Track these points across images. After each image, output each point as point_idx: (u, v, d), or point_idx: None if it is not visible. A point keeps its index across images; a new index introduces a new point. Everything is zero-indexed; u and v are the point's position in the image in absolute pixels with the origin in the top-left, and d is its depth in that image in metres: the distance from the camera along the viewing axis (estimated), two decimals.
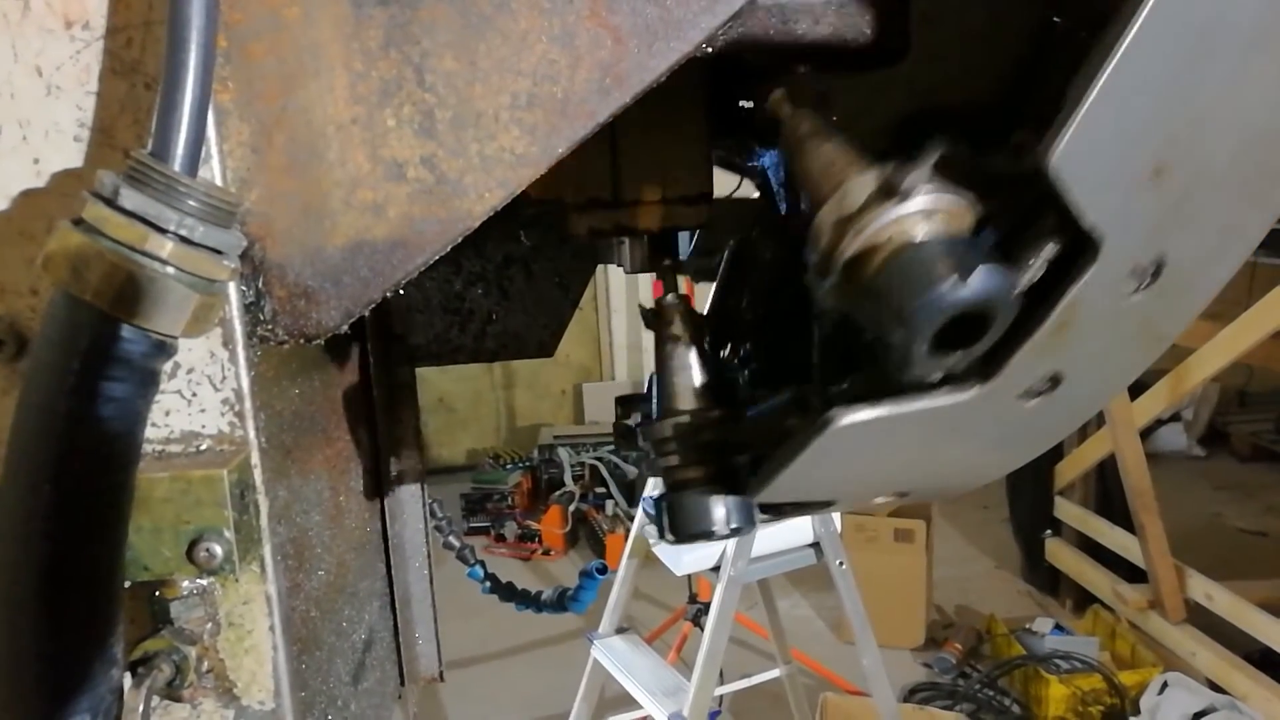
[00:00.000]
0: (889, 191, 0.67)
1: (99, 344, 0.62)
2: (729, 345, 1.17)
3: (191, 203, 0.64)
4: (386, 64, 0.75)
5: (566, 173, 1.00)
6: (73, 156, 0.73)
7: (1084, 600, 5.34)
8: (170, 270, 0.63)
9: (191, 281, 0.64)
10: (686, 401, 0.96)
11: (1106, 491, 5.31)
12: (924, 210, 0.66)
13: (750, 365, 1.17)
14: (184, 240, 0.64)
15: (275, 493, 0.83)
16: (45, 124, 0.73)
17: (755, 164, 1.24)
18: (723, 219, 1.17)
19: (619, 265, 1.16)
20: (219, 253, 0.66)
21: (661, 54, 0.77)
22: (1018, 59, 0.83)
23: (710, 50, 0.80)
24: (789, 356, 1.08)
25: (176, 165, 0.65)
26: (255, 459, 0.77)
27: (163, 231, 0.63)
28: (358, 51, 0.75)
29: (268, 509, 0.78)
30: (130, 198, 0.62)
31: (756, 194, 1.26)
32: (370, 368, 1.36)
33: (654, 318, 0.99)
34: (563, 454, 7.39)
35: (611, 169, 1.03)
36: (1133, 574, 4.95)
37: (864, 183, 0.68)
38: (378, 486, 1.40)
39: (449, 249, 0.79)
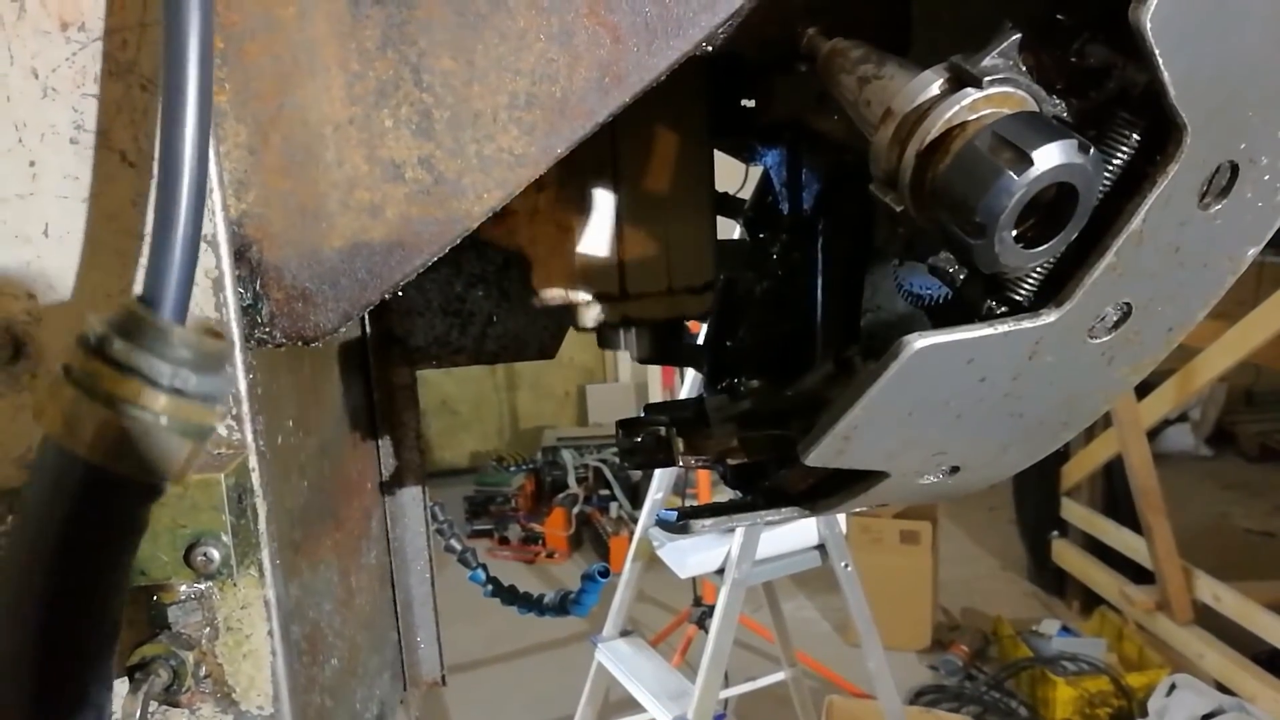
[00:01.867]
0: (960, 80, 0.64)
1: (90, 493, 0.63)
2: (727, 378, 1.16)
3: (184, 353, 0.63)
4: (383, 64, 0.74)
5: (573, 270, 1.02)
6: (69, 159, 0.73)
7: (1091, 601, 5.32)
8: (164, 421, 0.62)
9: (184, 429, 0.63)
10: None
11: (1113, 492, 5.29)
12: (1000, 95, 0.64)
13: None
14: (177, 392, 0.63)
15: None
16: (41, 126, 0.72)
17: (758, 163, 1.24)
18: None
19: (625, 350, 1.17)
20: (212, 399, 0.65)
21: (661, 52, 0.76)
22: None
23: (710, 49, 0.79)
24: (789, 386, 1.08)
25: (168, 310, 0.64)
26: (253, 463, 0.77)
27: (156, 385, 0.62)
28: (354, 51, 0.74)
29: (265, 513, 0.78)
30: (122, 349, 0.61)
31: (736, 233, 1.26)
32: (370, 369, 1.36)
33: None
34: (566, 456, 7.39)
35: (618, 264, 1.04)
36: (1140, 575, 4.93)
37: (933, 75, 0.65)
38: (380, 489, 1.40)
39: (447, 250, 0.79)
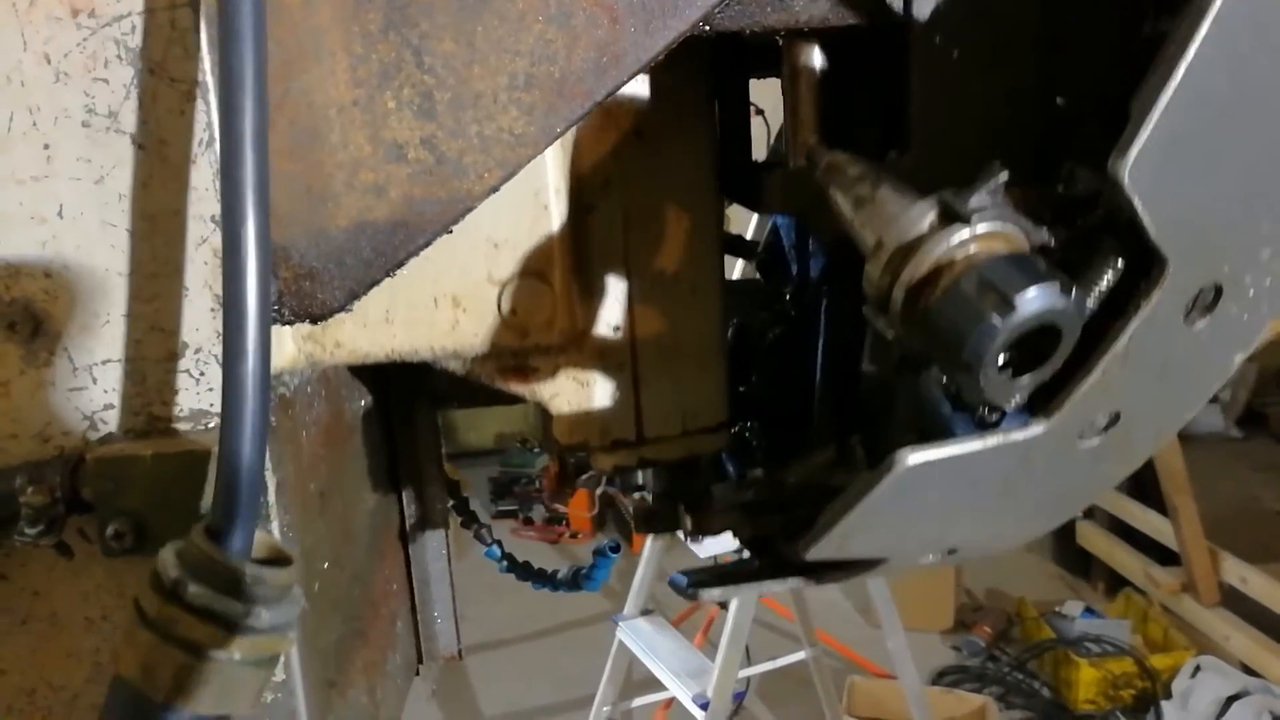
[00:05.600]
0: (951, 216, 0.66)
1: None
2: (737, 424, 1.18)
3: (258, 590, 0.64)
4: (386, 46, 0.76)
5: (594, 420, 1.04)
6: (82, 142, 0.75)
7: (1115, 583, 5.30)
8: (237, 657, 0.64)
9: (258, 662, 0.65)
10: None
11: (1139, 473, 5.21)
12: (988, 233, 0.66)
13: (760, 442, 1.19)
14: (252, 630, 0.64)
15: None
16: (54, 110, 0.74)
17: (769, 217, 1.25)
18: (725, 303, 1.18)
19: (641, 488, 1.18)
20: (283, 626, 0.67)
21: (659, 32, 0.77)
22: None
23: (708, 29, 0.80)
24: (801, 431, 1.10)
25: (236, 543, 0.65)
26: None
27: (233, 628, 0.63)
28: (357, 35, 0.76)
29: (275, 485, 0.80)
30: (198, 594, 0.63)
31: (756, 274, 1.27)
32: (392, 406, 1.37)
33: None
34: None
35: (635, 412, 1.06)
36: (1165, 557, 4.90)
37: (924, 209, 0.67)
38: (397, 495, 1.42)
39: (449, 229, 0.80)
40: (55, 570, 0.80)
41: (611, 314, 1.02)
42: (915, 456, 0.71)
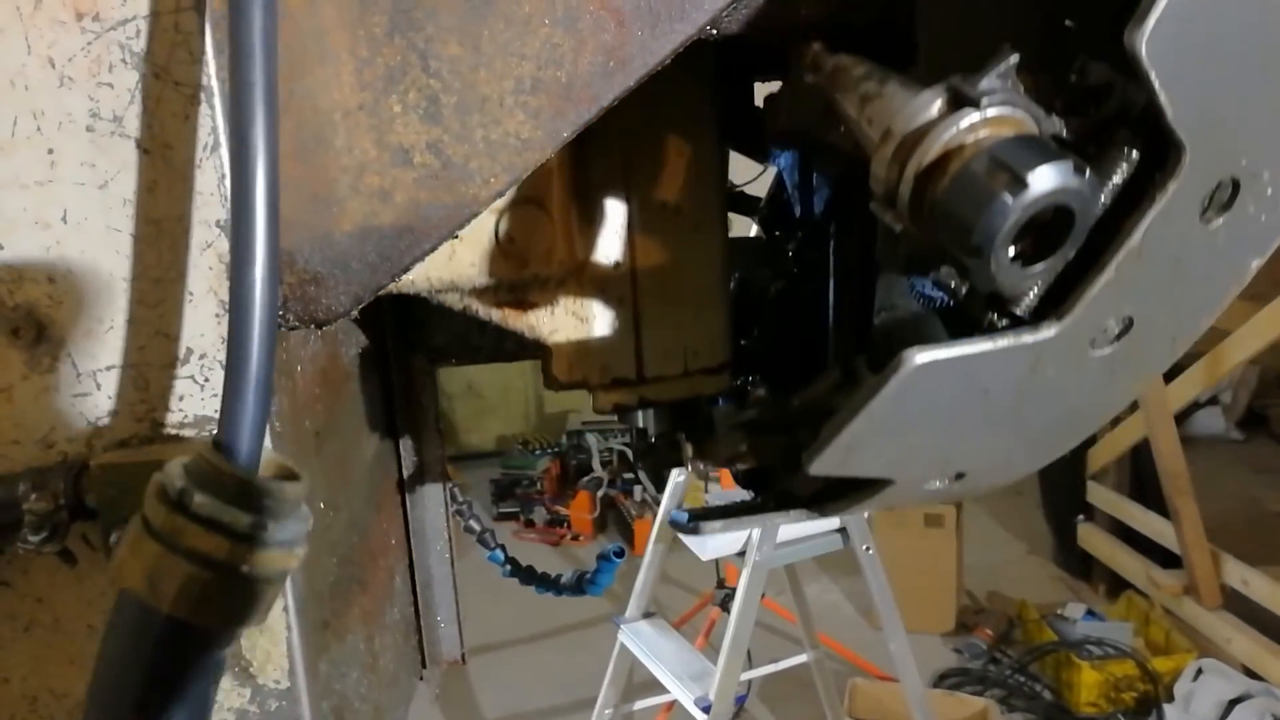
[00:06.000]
0: (960, 100, 0.64)
1: (172, 645, 0.63)
2: (741, 377, 1.17)
3: (265, 502, 0.64)
4: (391, 50, 0.76)
5: (593, 357, 1.03)
6: (86, 147, 0.74)
7: (1117, 586, 5.28)
8: (246, 570, 0.63)
9: (266, 576, 0.64)
10: None
11: (1140, 476, 5.23)
12: (998, 118, 0.64)
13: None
14: (260, 542, 0.63)
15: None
16: (59, 115, 0.74)
17: (772, 164, 1.24)
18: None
19: (642, 427, 1.18)
20: (290, 542, 0.66)
21: (665, 36, 0.76)
22: None
23: (715, 32, 0.79)
24: (796, 394, 1.08)
25: (243, 456, 0.64)
26: (267, 441, 0.78)
27: (240, 538, 0.62)
28: (363, 38, 0.75)
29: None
30: (203, 502, 0.62)
31: (753, 230, 1.26)
32: (390, 357, 1.37)
33: None
34: (591, 440, 7.41)
35: (635, 350, 1.05)
36: (1167, 559, 4.88)
37: (932, 95, 0.66)
38: (400, 488, 1.42)
39: (455, 235, 0.80)
40: (58, 577, 0.80)
41: (611, 246, 1.00)
42: (923, 356, 0.70)
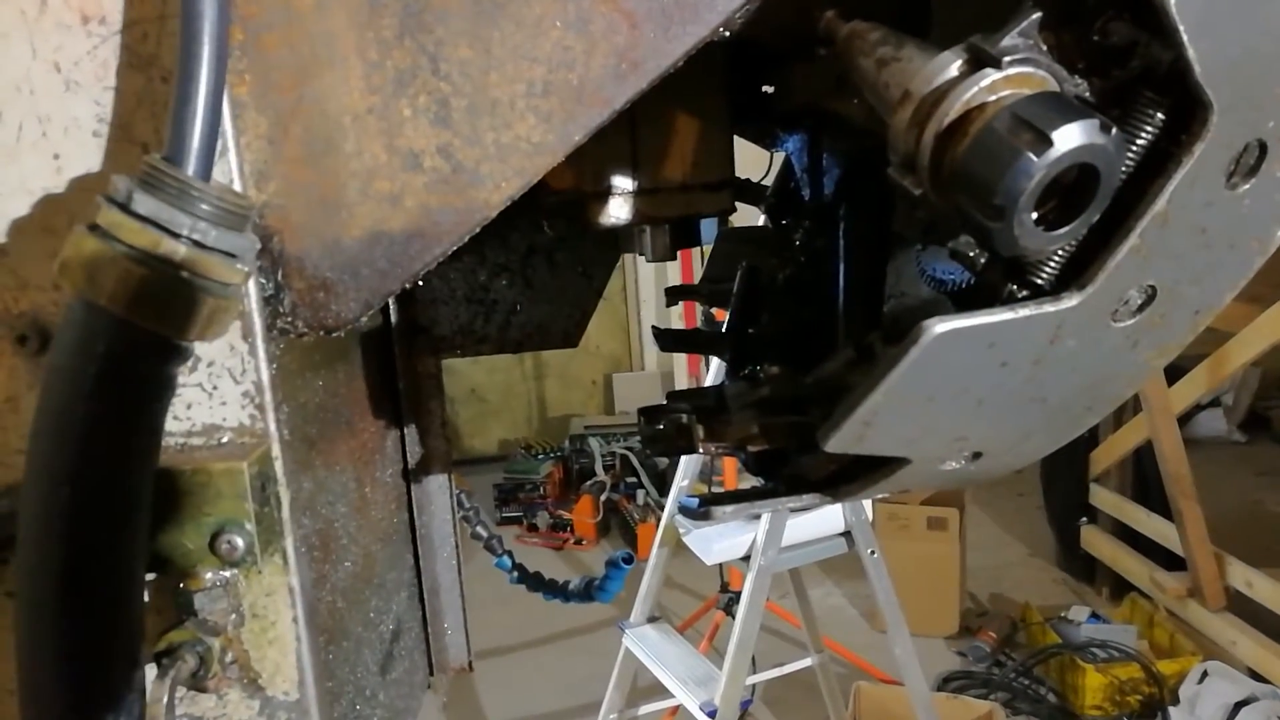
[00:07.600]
0: (979, 61, 0.63)
1: (114, 348, 0.63)
2: (750, 365, 1.16)
3: (204, 207, 0.65)
4: (401, 53, 0.75)
5: (586, 161, 0.99)
6: (92, 152, 0.73)
7: (1121, 588, 5.27)
8: (183, 274, 0.64)
9: (204, 285, 0.65)
10: None
11: (1143, 478, 5.23)
12: (1020, 75, 0.62)
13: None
14: (197, 244, 0.64)
15: (299, 484, 0.83)
16: (64, 120, 0.73)
17: (779, 149, 1.23)
18: (733, 249, 1.14)
19: (640, 254, 1.15)
20: (232, 256, 0.67)
21: (678, 38, 0.75)
22: None
23: (728, 34, 0.78)
24: (810, 373, 1.06)
25: (190, 168, 0.65)
26: (276, 451, 0.78)
27: (176, 236, 0.63)
28: (372, 41, 0.74)
29: (289, 501, 0.78)
30: (143, 202, 0.63)
31: (761, 220, 1.25)
32: (396, 359, 1.37)
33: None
34: (594, 444, 7.40)
35: (631, 157, 1.02)
36: (1171, 561, 4.87)
37: (951, 56, 0.64)
38: (405, 477, 1.41)
39: (467, 239, 0.79)
40: None
41: None
42: (943, 325, 0.68)
